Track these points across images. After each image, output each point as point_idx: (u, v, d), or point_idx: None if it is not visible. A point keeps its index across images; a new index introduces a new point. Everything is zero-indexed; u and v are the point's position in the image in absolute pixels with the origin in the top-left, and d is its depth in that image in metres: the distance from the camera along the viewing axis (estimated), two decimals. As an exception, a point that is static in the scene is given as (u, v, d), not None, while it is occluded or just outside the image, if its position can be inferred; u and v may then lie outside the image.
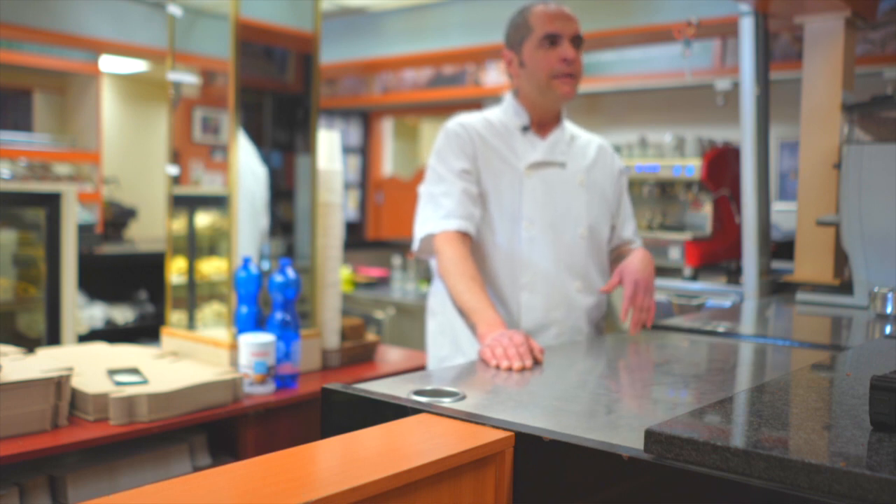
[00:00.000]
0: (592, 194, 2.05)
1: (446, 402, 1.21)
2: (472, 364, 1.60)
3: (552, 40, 1.93)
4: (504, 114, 2.06)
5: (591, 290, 2.03)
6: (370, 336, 2.60)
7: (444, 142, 2.00)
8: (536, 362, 1.54)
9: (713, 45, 4.28)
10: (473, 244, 1.94)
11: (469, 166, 1.95)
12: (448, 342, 2.02)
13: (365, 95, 6.12)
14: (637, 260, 1.82)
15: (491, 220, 1.97)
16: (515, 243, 1.96)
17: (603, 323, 2.11)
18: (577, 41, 1.96)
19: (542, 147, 2.01)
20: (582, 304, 2.00)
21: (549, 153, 2.01)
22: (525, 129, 2.03)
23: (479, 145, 1.98)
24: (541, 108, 2.02)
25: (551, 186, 1.99)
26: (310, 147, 2.45)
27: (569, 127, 2.11)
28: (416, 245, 1.97)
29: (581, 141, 2.11)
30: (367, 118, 6.89)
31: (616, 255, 2.15)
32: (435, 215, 1.91)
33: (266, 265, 2.61)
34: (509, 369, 1.49)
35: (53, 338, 3.11)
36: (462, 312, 1.81)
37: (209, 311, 2.66)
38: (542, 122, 2.05)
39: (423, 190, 2.00)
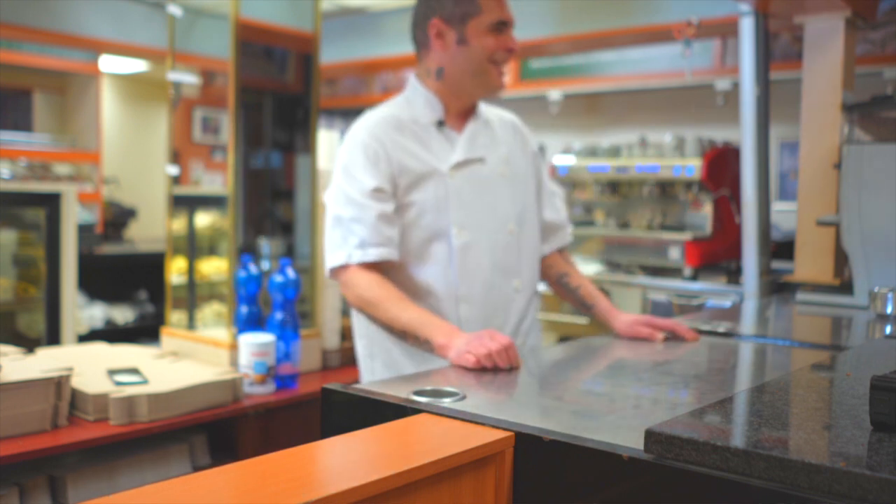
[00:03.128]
0: (515, 184, 1.90)
1: (446, 402, 1.21)
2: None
3: (502, 27, 1.80)
4: (411, 106, 1.86)
5: (528, 286, 1.91)
6: (370, 336, 2.60)
7: (351, 156, 1.78)
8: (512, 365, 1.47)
9: (713, 45, 4.28)
10: (396, 264, 1.77)
11: (383, 184, 1.74)
12: (380, 365, 1.85)
13: (365, 95, 6.12)
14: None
15: (418, 234, 1.78)
16: (447, 254, 1.78)
17: (538, 316, 2.01)
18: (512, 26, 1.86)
19: (461, 144, 1.84)
20: (520, 304, 1.88)
21: (469, 150, 1.84)
22: (440, 123, 1.85)
23: (392, 153, 1.77)
24: (466, 94, 1.85)
25: (475, 185, 1.83)
26: (310, 147, 2.45)
27: (483, 109, 1.94)
28: (327, 273, 1.79)
29: (496, 125, 1.95)
30: (367, 118, 6.88)
31: (552, 266, 2.01)
32: (346, 244, 1.73)
33: (266, 265, 2.61)
34: (495, 368, 1.45)
35: (53, 338, 3.12)
36: (404, 336, 1.65)
37: (209, 311, 2.66)
38: (458, 113, 1.87)
39: (330, 209, 1.79)
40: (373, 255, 1.71)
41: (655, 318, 1.82)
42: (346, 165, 1.78)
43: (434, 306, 1.78)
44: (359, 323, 1.88)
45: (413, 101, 1.87)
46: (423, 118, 1.84)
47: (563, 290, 2.00)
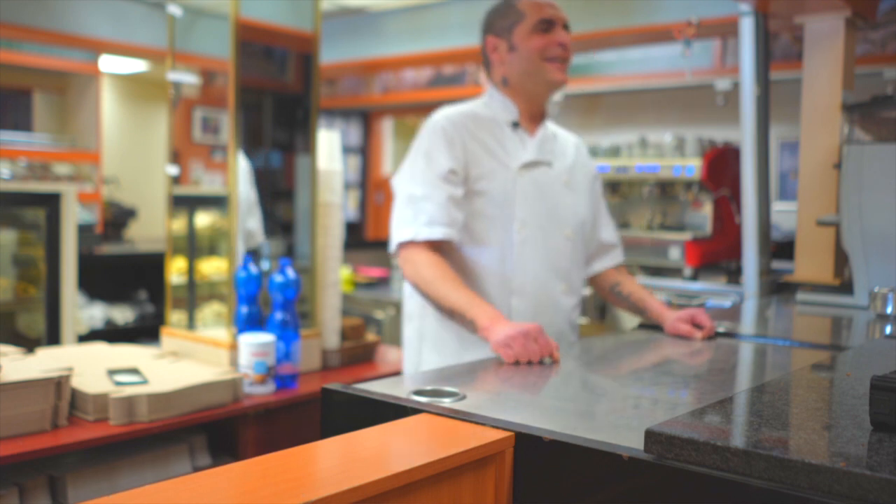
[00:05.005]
0: (576, 195, 2.01)
1: (446, 402, 1.21)
2: (471, 364, 1.60)
3: (547, 26, 1.89)
4: (489, 108, 1.98)
5: (574, 292, 2.01)
6: (370, 336, 2.60)
7: (430, 138, 1.89)
8: (553, 360, 1.55)
9: (713, 45, 4.28)
10: (457, 249, 1.87)
11: (456, 166, 1.85)
12: (429, 346, 1.94)
13: (365, 95, 6.12)
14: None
15: (482, 222, 1.88)
16: (507, 245, 1.89)
17: (578, 323, 2.09)
18: (567, 26, 1.94)
19: (532, 145, 1.96)
20: (566, 306, 1.97)
21: (539, 152, 1.96)
22: (515, 124, 1.96)
23: (468, 142, 1.89)
24: (530, 97, 1.96)
25: (541, 187, 1.94)
26: (310, 147, 2.45)
27: (549, 124, 2.06)
28: (392, 247, 1.88)
29: (561, 139, 2.07)
30: (367, 118, 6.89)
31: (607, 278, 2.11)
32: (416, 221, 1.82)
33: (266, 265, 2.61)
34: (529, 363, 1.52)
35: (53, 338, 3.11)
36: (451, 314, 1.73)
37: (209, 311, 2.66)
38: (531, 116, 1.99)
39: (403, 188, 1.89)
40: (439, 233, 1.80)
41: (698, 313, 1.85)
42: (424, 147, 1.89)
43: (487, 294, 1.87)
44: (412, 304, 1.97)
45: (491, 103, 1.99)
46: (499, 118, 1.96)
47: (615, 298, 2.10)
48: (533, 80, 1.93)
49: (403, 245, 1.83)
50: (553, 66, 1.91)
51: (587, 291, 3.46)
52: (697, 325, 1.84)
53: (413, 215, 1.83)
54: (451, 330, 1.88)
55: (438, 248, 1.82)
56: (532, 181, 1.93)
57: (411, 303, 1.99)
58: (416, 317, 1.97)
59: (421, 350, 1.96)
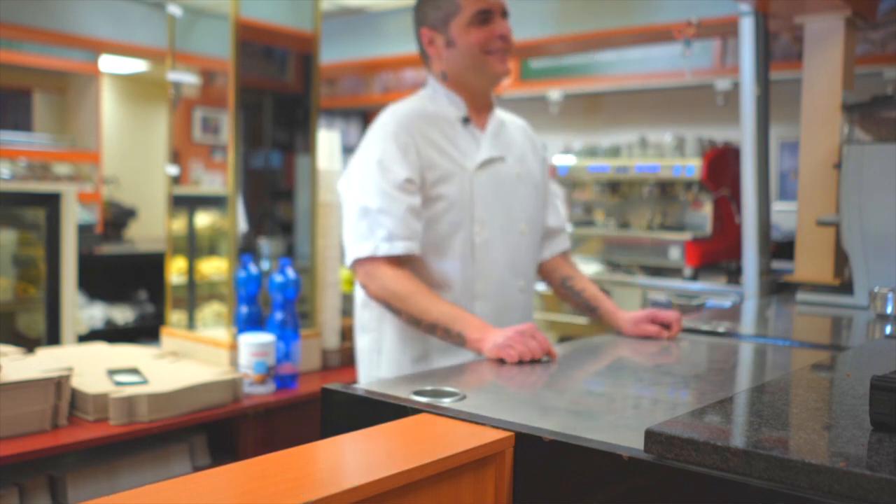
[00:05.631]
0: (528, 186, 1.94)
1: (446, 402, 1.21)
2: (471, 364, 1.60)
3: (484, 17, 1.80)
4: (435, 102, 1.88)
5: (530, 287, 1.96)
6: (370, 336, 2.60)
7: (382, 146, 1.77)
8: (550, 357, 1.56)
9: (713, 45, 4.28)
10: (418, 259, 1.79)
11: (412, 174, 1.75)
12: (386, 361, 1.84)
13: (365, 95, 6.12)
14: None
15: (441, 228, 1.79)
16: (468, 250, 1.81)
17: (534, 317, 2.05)
18: (505, 13, 1.84)
19: (485, 142, 1.88)
20: (523, 303, 1.92)
21: (493, 149, 1.88)
22: (465, 120, 1.87)
23: (422, 146, 1.78)
24: (473, 90, 1.88)
25: (496, 184, 1.86)
26: (310, 147, 2.45)
27: (498, 112, 1.97)
28: (348, 263, 1.78)
29: (509, 127, 1.98)
30: (367, 118, 6.89)
31: (556, 269, 2.04)
32: (374, 235, 1.72)
33: (266, 265, 2.61)
34: (532, 361, 1.53)
35: (53, 338, 3.12)
36: (432, 329, 1.67)
37: (209, 311, 2.66)
38: (478, 108, 1.90)
39: (355, 199, 1.77)
40: (400, 248, 1.72)
41: (658, 312, 1.83)
42: (376, 156, 1.77)
43: (449, 300, 1.77)
44: (366, 315, 1.87)
45: (435, 97, 1.89)
46: (448, 114, 1.87)
47: (566, 293, 2.02)
48: (475, 74, 1.84)
49: (361, 261, 1.74)
50: (494, 58, 1.82)
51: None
52: (665, 325, 1.81)
53: (369, 230, 1.73)
54: (409, 343, 1.81)
55: (398, 261, 1.74)
56: (488, 180, 1.85)
57: (366, 314, 1.88)
58: (371, 329, 1.87)
59: (379, 364, 1.86)
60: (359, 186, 1.77)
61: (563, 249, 2.06)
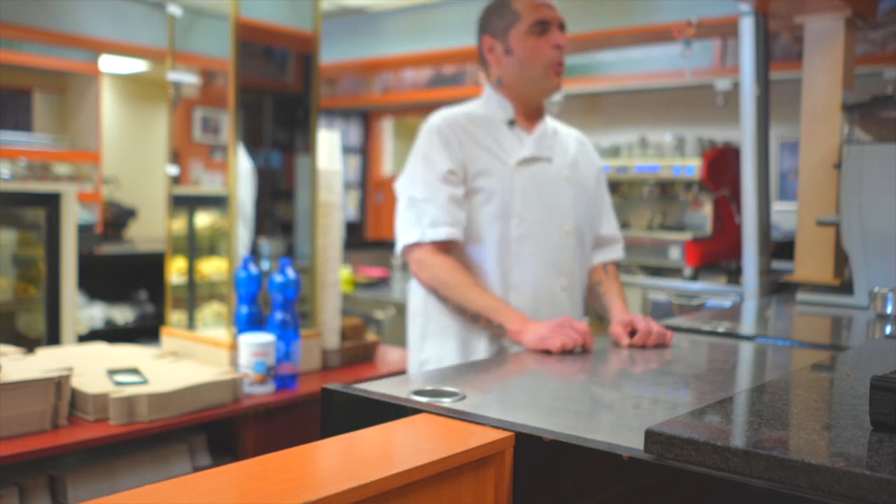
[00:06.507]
0: (577, 190, 2.01)
1: (446, 402, 1.21)
2: (471, 364, 1.60)
3: (543, 28, 1.89)
4: (486, 107, 2.00)
5: (576, 289, 2.00)
6: (370, 336, 2.60)
7: (427, 141, 1.92)
8: (585, 348, 1.65)
9: (713, 45, 4.28)
10: (459, 246, 1.90)
11: (455, 166, 1.88)
12: (429, 346, 1.97)
13: (365, 95, 6.12)
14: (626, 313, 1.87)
15: (480, 219, 1.90)
16: (505, 242, 1.91)
17: (584, 318, 2.11)
18: (563, 26, 1.93)
19: (529, 142, 1.96)
20: (566, 302, 1.97)
21: (537, 148, 1.96)
22: (511, 122, 1.97)
23: (465, 142, 1.91)
24: (527, 98, 1.97)
25: (540, 182, 1.94)
26: (310, 147, 2.45)
27: (549, 120, 2.06)
28: (399, 250, 1.93)
29: (562, 135, 2.07)
30: (367, 118, 6.89)
31: (593, 274, 2.09)
32: (420, 223, 1.86)
33: (266, 265, 2.61)
34: (569, 350, 1.62)
35: (53, 338, 3.11)
36: (476, 319, 1.80)
37: (209, 311, 2.65)
38: (528, 115, 1.99)
39: (404, 192, 1.93)
40: (444, 233, 1.85)
41: (637, 319, 1.76)
42: (422, 150, 1.92)
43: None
44: (415, 302, 2.01)
45: (488, 103, 2.00)
46: (496, 117, 1.98)
47: (592, 297, 2.09)
48: (529, 83, 1.94)
49: (410, 247, 1.88)
50: (550, 72, 1.91)
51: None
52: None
53: (416, 218, 1.87)
54: (451, 330, 1.91)
55: (445, 248, 1.87)
56: (530, 177, 1.93)
57: (412, 301, 2.01)
58: (417, 315, 2.00)
59: (423, 349, 1.98)
60: (408, 180, 1.93)
61: (613, 259, 2.12)
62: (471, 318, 1.81)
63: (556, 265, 1.95)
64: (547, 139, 2.00)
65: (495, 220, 1.90)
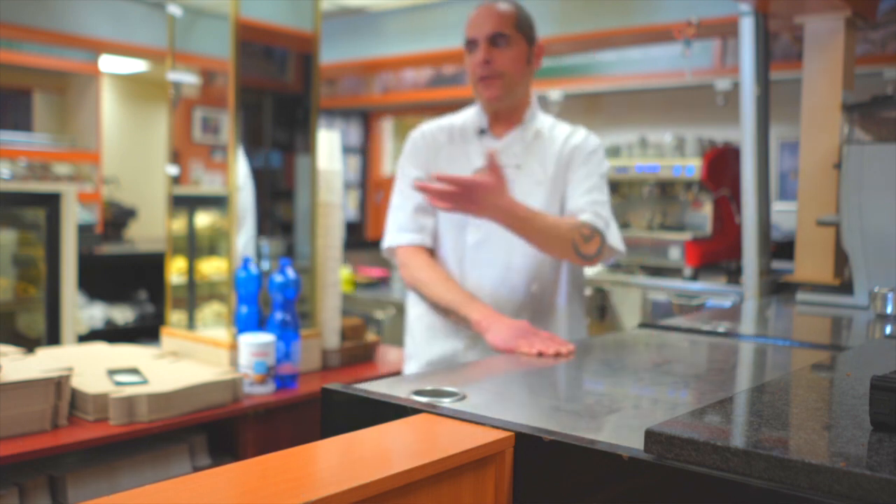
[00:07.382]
0: (553, 192, 1.97)
1: (446, 402, 1.21)
2: (471, 364, 1.60)
3: (471, 46, 1.95)
4: (467, 117, 2.07)
5: (549, 292, 1.99)
6: (370, 336, 2.60)
7: (404, 151, 2.06)
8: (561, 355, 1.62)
9: (713, 45, 4.28)
10: (434, 250, 2.00)
11: (421, 174, 1.98)
12: (410, 342, 2.07)
13: (365, 95, 6.12)
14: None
15: (440, 227, 1.99)
16: (461, 249, 1.96)
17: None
18: (496, 39, 1.90)
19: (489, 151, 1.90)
20: (535, 307, 1.96)
21: (500, 155, 1.91)
22: (482, 131, 2.02)
23: (432, 152, 2.01)
24: (484, 107, 2.02)
25: None
26: (310, 147, 2.45)
27: (539, 123, 2.02)
28: (383, 252, 2.06)
29: (547, 138, 2.00)
30: (367, 118, 6.89)
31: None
32: (390, 228, 2.00)
33: (266, 265, 2.61)
34: (539, 354, 1.59)
35: (53, 338, 3.11)
36: (447, 313, 1.85)
37: (209, 311, 2.65)
38: (501, 122, 2.02)
39: (391, 198, 2.07)
40: (405, 239, 1.97)
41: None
42: (400, 160, 2.08)
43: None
44: (409, 316, 2.10)
45: (470, 112, 2.08)
46: (472, 126, 2.05)
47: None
48: (475, 95, 2.01)
49: (393, 250, 2.01)
50: (481, 84, 1.95)
51: (587, 291, 3.46)
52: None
53: (391, 223, 2.02)
54: (429, 328, 2.00)
55: (425, 249, 1.97)
56: None
57: (409, 314, 2.11)
58: (408, 332, 2.11)
59: (407, 343, 2.10)
60: (394, 186, 2.07)
61: (571, 212, 1.93)
62: (443, 312, 1.87)
63: (520, 271, 1.94)
64: (516, 145, 1.99)
65: (451, 228, 1.97)
